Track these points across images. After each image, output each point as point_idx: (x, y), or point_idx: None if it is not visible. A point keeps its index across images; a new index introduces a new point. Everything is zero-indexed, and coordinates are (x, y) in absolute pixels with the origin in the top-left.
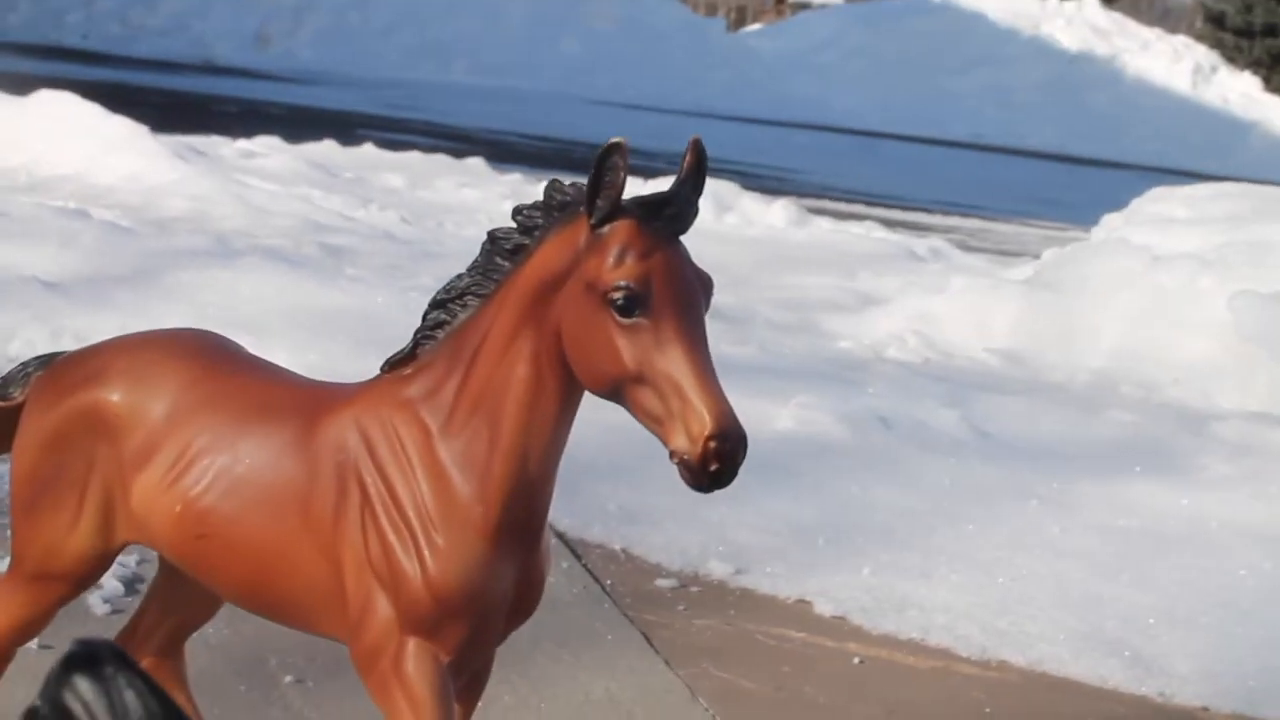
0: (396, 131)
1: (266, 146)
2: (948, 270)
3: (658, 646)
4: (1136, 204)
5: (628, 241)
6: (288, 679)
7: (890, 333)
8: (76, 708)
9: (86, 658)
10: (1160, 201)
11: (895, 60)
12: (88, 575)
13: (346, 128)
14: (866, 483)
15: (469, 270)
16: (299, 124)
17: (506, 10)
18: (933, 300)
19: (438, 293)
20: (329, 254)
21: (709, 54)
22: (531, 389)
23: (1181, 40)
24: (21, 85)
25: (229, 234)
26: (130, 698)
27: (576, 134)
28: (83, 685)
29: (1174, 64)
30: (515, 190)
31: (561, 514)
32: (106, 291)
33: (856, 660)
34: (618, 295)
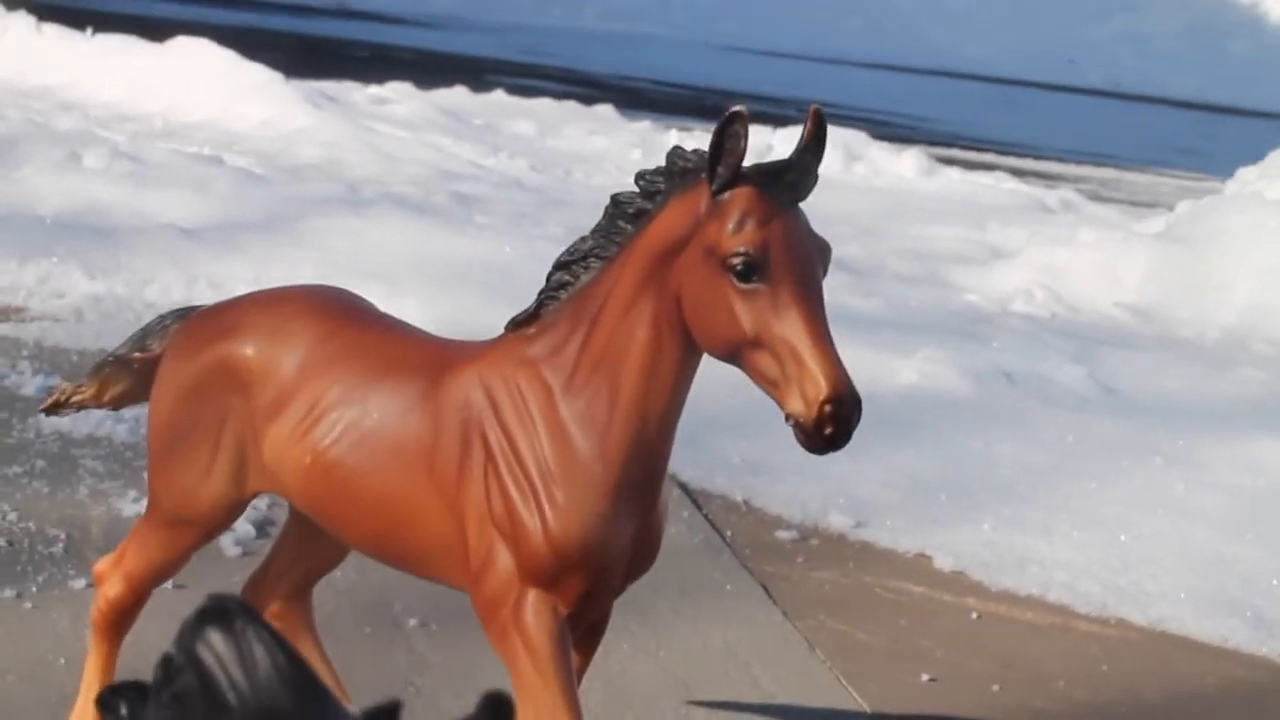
0: (527, 77)
1: (398, 93)
2: (1077, 222)
3: (776, 598)
4: (1273, 156)
5: (747, 208)
6: (412, 623)
7: (1017, 286)
8: (209, 658)
9: (218, 612)
10: None
11: (1030, 6)
12: (220, 522)
13: (477, 73)
14: (989, 438)
15: (592, 233)
16: (430, 69)
17: None
18: (1061, 253)
19: (561, 254)
20: (459, 202)
21: (842, 0)
22: (651, 351)
23: None
24: (159, 31)
25: (360, 181)
26: (259, 651)
27: (707, 81)
28: (215, 638)
29: None
30: (644, 138)
31: (684, 464)
32: (240, 238)
33: (975, 615)
34: (737, 261)
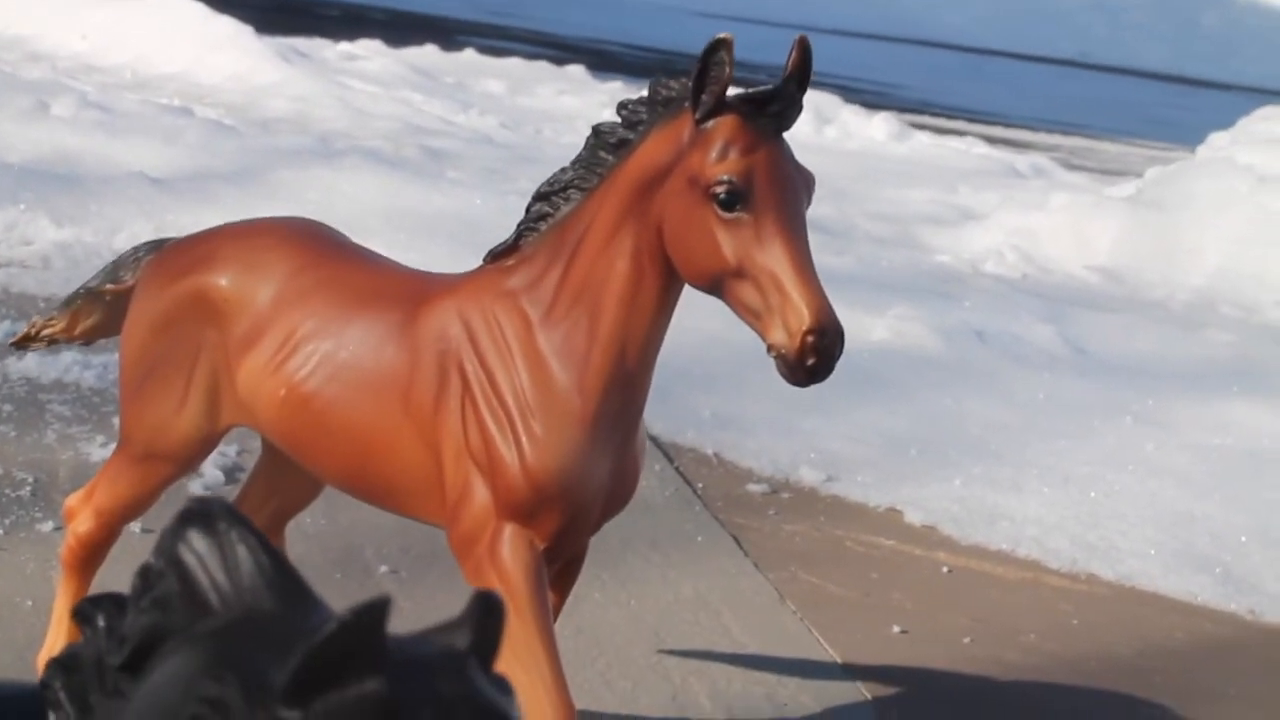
0: (498, 38)
1: (368, 50)
2: (1049, 187)
3: (747, 550)
4: (1243, 123)
5: (731, 137)
6: (382, 569)
7: (989, 247)
8: (190, 560)
9: (201, 514)
10: (1267, 121)
11: None
12: (193, 457)
13: (447, 33)
14: (960, 395)
15: (573, 164)
16: (400, 28)
17: None
18: (1033, 216)
19: (542, 185)
20: (429, 157)
21: None
22: (632, 282)
23: None
24: None
25: (330, 135)
26: (242, 552)
27: (678, 45)
28: (197, 540)
29: None
30: (615, 99)
31: (655, 418)
32: (210, 188)
33: (945, 570)
34: (720, 189)
